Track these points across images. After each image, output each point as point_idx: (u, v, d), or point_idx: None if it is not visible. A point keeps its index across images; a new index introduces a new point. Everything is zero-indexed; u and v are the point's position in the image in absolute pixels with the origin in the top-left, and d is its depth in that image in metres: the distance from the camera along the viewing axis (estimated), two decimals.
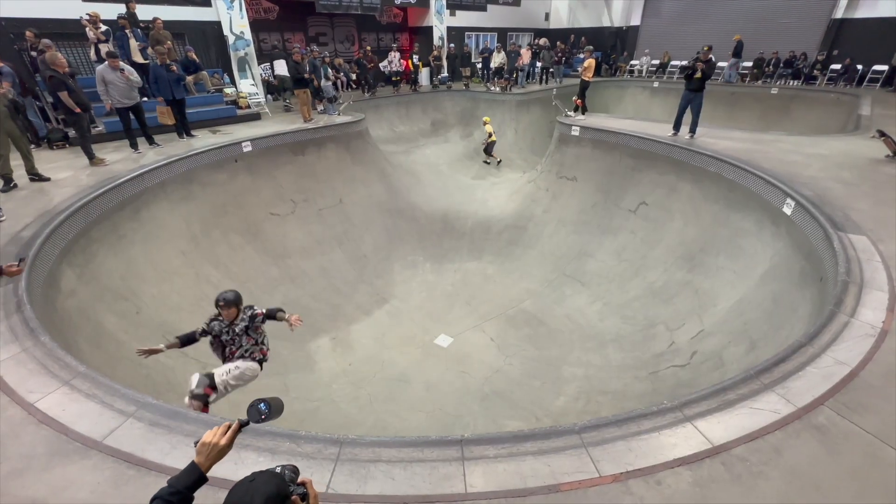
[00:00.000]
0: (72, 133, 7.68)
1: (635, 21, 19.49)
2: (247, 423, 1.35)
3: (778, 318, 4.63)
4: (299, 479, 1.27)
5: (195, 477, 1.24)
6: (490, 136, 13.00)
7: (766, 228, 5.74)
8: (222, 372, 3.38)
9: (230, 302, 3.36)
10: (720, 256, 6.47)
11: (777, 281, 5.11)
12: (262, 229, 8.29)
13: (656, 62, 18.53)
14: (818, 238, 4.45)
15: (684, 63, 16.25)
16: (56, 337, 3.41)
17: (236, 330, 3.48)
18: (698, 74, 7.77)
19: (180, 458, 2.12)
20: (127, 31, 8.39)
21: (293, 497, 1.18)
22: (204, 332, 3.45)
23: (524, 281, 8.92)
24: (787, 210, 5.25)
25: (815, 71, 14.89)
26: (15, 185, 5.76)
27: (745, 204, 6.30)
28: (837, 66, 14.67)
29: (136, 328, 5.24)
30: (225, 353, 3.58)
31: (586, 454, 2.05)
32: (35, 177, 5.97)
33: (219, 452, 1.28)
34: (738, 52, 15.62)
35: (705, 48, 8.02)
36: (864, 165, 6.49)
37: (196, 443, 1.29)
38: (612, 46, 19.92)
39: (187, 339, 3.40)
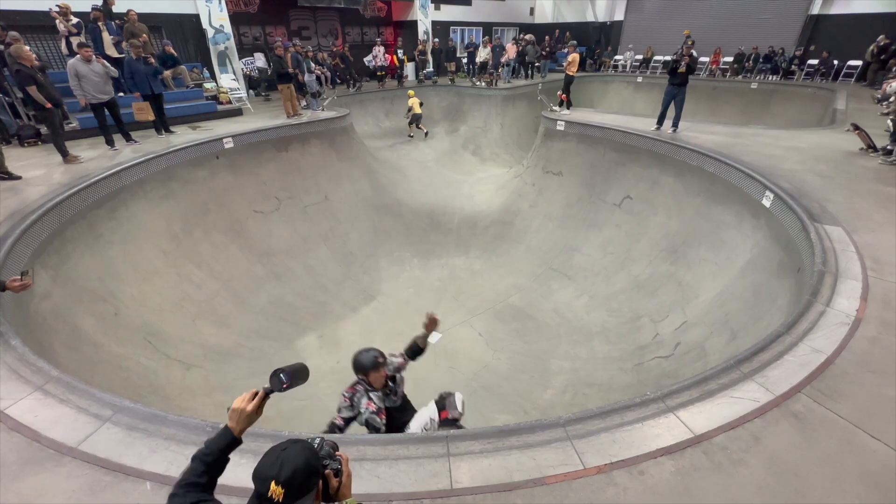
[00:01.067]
0: (44, 130, 7.41)
1: (619, 16, 19.63)
2: (271, 392, 1.37)
3: (758, 308, 4.73)
4: (337, 454, 1.26)
5: (228, 440, 1.31)
6: (410, 109, 13.17)
7: (747, 221, 5.85)
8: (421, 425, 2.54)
9: (378, 363, 2.46)
10: (702, 248, 6.58)
11: (757, 272, 5.22)
12: (245, 227, 8.15)
13: (640, 57, 18.70)
14: (796, 229, 4.55)
15: (668, 58, 16.43)
16: (29, 341, 3.29)
17: (397, 390, 2.67)
18: (682, 68, 7.85)
19: (160, 461, 2.06)
20: (100, 23, 8.11)
21: (325, 471, 1.18)
22: (348, 421, 2.45)
23: (511, 276, 8.96)
24: (767, 202, 5.36)
25: (792, 66, 15.21)
26: None
27: (726, 197, 6.41)
28: (815, 62, 15.00)
29: (115, 329, 5.11)
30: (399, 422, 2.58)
31: (571, 447, 2.07)
32: (5, 175, 5.75)
33: (247, 418, 1.32)
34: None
35: (689, 41, 8.11)
36: (840, 158, 6.66)
37: (229, 409, 1.34)
38: (597, 41, 20.04)
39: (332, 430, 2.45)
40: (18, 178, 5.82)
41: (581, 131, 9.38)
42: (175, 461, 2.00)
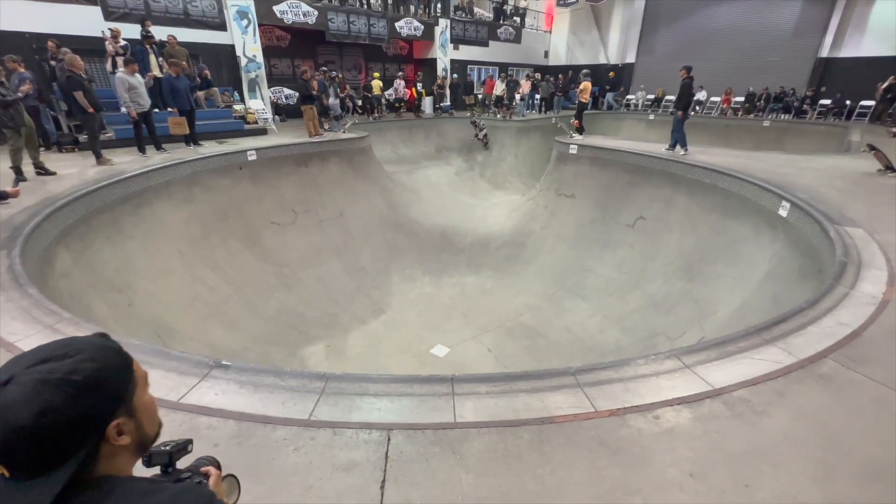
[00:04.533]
0: (81, 138, 7.89)
1: (630, 59, 20.44)
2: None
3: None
4: (204, 469, 0.91)
5: None
6: (371, 90, 13.97)
7: (763, 233, 5.76)
8: None
9: None
10: (719, 264, 6.45)
11: (777, 281, 5.07)
12: (261, 236, 8.32)
13: (651, 97, 19.25)
14: (815, 233, 4.46)
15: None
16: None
17: None
18: None
19: (159, 388, 2.02)
20: (147, 46, 8.83)
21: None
22: None
23: (523, 295, 8.85)
24: (783, 212, 5.30)
25: (804, 105, 15.42)
26: (24, 178, 5.86)
27: (740, 211, 6.35)
28: (827, 102, 15.20)
29: (126, 320, 5.16)
30: None
31: (582, 392, 1.96)
32: (41, 171, 6.08)
33: None
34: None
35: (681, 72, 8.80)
36: (857, 177, 6.61)
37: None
38: (609, 82, 20.78)
39: None
40: (53, 173, 6.15)
41: (594, 154, 9.55)
42: (175, 388, 1.96)
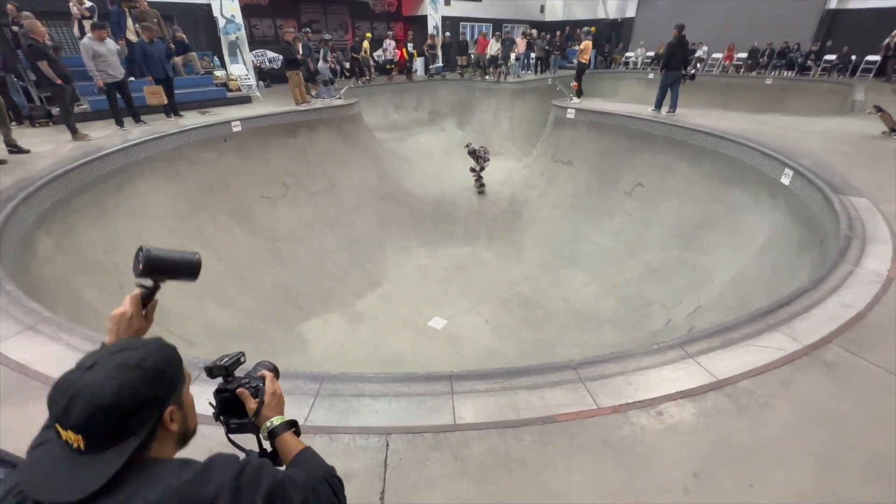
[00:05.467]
0: (55, 111, 7.47)
1: (630, 13, 19.48)
2: (151, 288, 1.06)
3: (777, 286, 4.54)
4: (261, 373, 1.06)
5: None
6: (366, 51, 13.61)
7: (764, 201, 5.66)
8: None
9: None
10: (717, 232, 6.39)
11: (776, 251, 5.03)
12: (251, 211, 8.11)
13: (651, 54, 18.50)
14: (818, 203, 4.37)
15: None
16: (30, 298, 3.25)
17: None
18: None
19: None
20: (124, 9, 8.20)
21: (239, 390, 0.99)
22: None
23: (519, 265, 8.82)
24: (786, 180, 5.18)
25: (808, 61, 14.91)
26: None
27: (741, 178, 6.22)
28: (832, 57, 14.69)
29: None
30: None
31: (584, 388, 1.93)
32: (14, 148, 5.76)
33: (128, 323, 1.03)
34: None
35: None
36: (861, 141, 6.44)
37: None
38: (607, 38, 19.89)
39: None
40: (27, 151, 5.84)
41: (592, 119, 9.24)
42: None
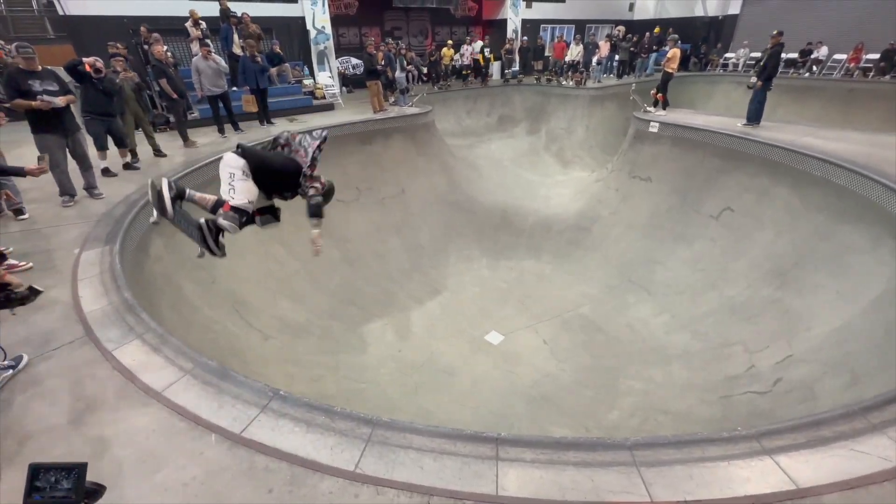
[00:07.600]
0: (173, 118, 8.57)
1: (734, 9, 17.59)
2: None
3: (890, 352, 3.91)
4: None
5: None
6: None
7: (885, 245, 4.86)
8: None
9: None
10: (819, 274, 5.62)
11: (894, 308, 4.32)
12: (326, 214, 8.60)
13: (756, 55, 16.58)
14: None
15: (793, 55, 14.53)
16: (140, 296, 3.78)
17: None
18: None
19: (225, 417, 2.22)
20: (231, 25, 9.20)
21: None
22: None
23: (583, 284, 8.46)
24: None
25: None
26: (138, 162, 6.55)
27: (857, 215, 5.39)
28: None
29: (209, 296, 5.71)
30: None
31: (637, 474, 1.81)
32: (159, 154, 6.76)
33: None
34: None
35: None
36: None
37: None
38: (704, 38, 18.19)
39: None
40: (165, 155, 6.77)
41: (677, 133, 8.54)
42: (238, 418, 2.14)
